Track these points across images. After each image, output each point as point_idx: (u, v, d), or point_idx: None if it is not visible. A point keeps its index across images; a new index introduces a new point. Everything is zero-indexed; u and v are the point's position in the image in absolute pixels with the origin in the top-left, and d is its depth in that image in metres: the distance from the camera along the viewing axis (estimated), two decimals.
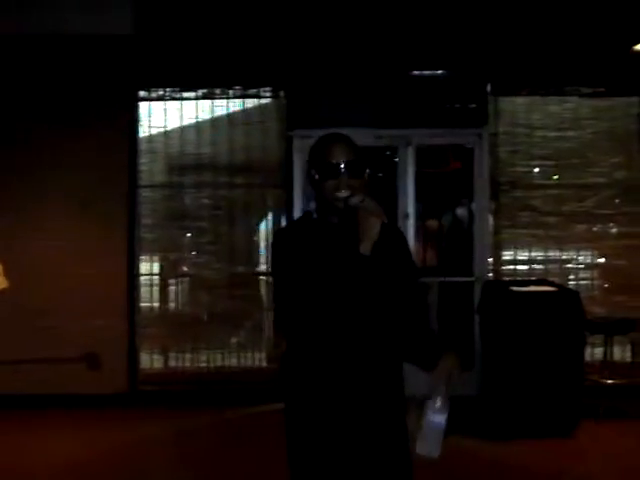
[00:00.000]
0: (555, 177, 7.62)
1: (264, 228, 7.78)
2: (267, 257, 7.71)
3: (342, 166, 2.70)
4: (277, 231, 3.06)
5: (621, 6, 5.73)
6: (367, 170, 2.78)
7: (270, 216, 7.74)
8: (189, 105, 7.53)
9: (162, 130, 7.55)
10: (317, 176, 2.76)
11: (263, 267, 7.77)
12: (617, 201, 7.62)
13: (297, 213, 7.58)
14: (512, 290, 6.60)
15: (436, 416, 2.74)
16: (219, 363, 7.63)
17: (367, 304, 2.72)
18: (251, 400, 7.17)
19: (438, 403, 2.75)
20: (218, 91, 7.48)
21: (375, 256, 2.64)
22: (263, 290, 7.76)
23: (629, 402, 6.89)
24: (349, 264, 2.63)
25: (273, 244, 2.96)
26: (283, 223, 7.59)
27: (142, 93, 7.46)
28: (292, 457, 2.91)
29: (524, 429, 6.14)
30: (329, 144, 2.77)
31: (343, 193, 2.68)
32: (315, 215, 2.85)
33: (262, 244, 7.75)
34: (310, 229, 2.83)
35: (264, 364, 7.66)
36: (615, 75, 7.28)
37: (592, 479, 5.43)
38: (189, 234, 7.63)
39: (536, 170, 7.60)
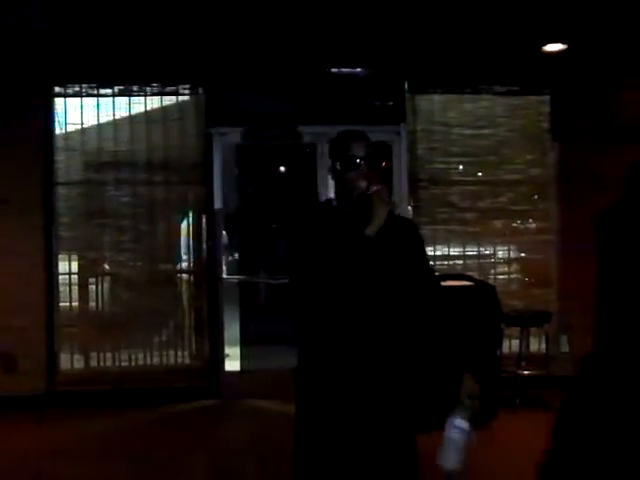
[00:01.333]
0: (460, 167, 7.77)
1: (184, 226, 7.74)
2: (189, 256, 7.68)
3: (361, 160, 3.00)
4: (301, 213, 3.38)
5: (533, 6, 5.86)
6: (383, 163, 3.18)
7: (190, 214, 7.68)
8: (106, 102, 7.44)
9: (79, 127, 7.44)
10: (339, 168, 3.05)
11: (184, 265, 7.72)
12: (532, 197, 7.81)
13: (217, 210, 7.58)
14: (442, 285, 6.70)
15: (454, 432, 2.97)
16: (141, 362, 7.56)
17: (373, 289, 2.96)
18: (174, 399, 7.16)
19: (457, 420, 2.98)
20: (136, 88, 7.42)
21: (380, 239, 2.93)
22: (184, 288, 7.71)
23: (545, 392, 7.06)
24: (354, 245, 2.93)
25: (297, 225, 3.23)
26: (203, 221, 7.55)
27: (57, 89, 7.35)
28: (299, 450, 3.16)
29: (441, 421, 6.24)
30: (350, 139, 3.09)
31: (362, 183, 2.97)
32: (334, 203, 3.14)
33: (183, 241, 7.70)
34: (329, 215, 3.12)
35: (187, 362, 7.62)
36: (528, 74, 7.47)
37: (504, 468, 5.54)
38: (108, 232, 7.53)
39: (454, 167, 7.74)
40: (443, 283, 6.76)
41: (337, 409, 3.03)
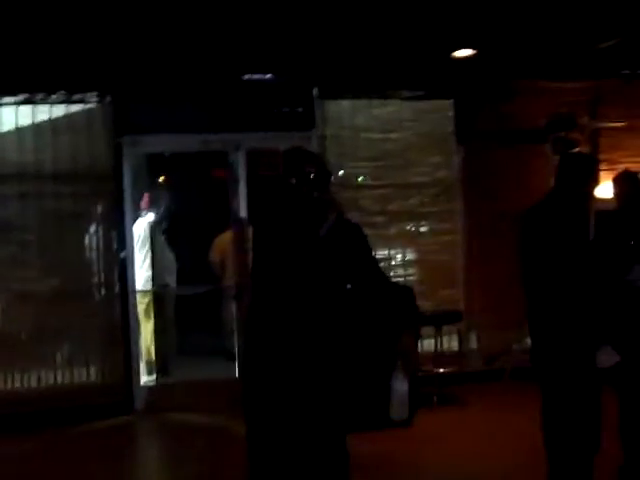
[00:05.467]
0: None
1: (94, 239, 7.49)
2: (98, 269, 7.45)
3: (313, 174, 3.42)
4: (257, 201, 4.05)
5: (441, 13, 6.02)
6: (332, 176, 3.63)
7: (100, 226, 7.45)
8: (8, 110, 7.17)
9: None
10: (294, 182, 3.45)
11: (95, 279, 7.49)
12: (439, 198, 8.01)
13: (128, 222, 7.43)
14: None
15: (398, 384, 3.40)
16: (51, 381, 7.31)
17: (319, 283, 3.40)
18: (88, 417, 6.96)
19: (399, 374, 3.40)
20: (40, 96, 7.16)
21: (329, 238, 3.39)
22: (95, 302, 7.47)
23: (460, 389, 7.27)
24: (307, 242, 3.41)
25: (255, 210, 3.92)
26: (113, 234, 7.37)
27: None
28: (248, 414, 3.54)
29: (365, 422, 6.30)
30: (305, 159, 3.51)
31: (315, 194, 3.41)
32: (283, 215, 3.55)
33: (93, 255, 7.47)
34: (288, 205, 3.52)
35: (100, 378, 7.40)
36: (433, 79, 7.68)
37: (426, 464, 5.67)
38: (13, 247, 7.23)
39: (363, 171, 7.84)
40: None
41: (278, 401, 3.40)
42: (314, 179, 3.42)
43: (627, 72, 8.15)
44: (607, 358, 3.93)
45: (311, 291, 3.40)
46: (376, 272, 3.60)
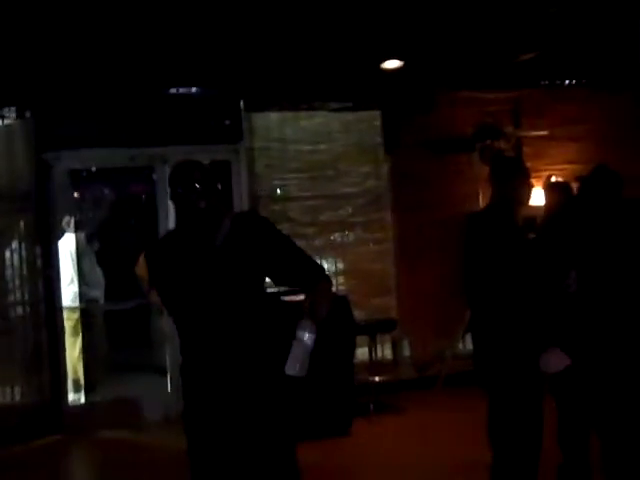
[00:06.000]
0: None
1: (16, 258, 7.26)
2: (22, 286, 7.22)
3: (199, 186, 3.24)
4: (147, 248, 3.55)
5: (369, 23, 6.07)
6: (218, 185, 3.39)
7: (22, 243, 7.23)
8: None
9: None
10: (183, 192, 3.25)
11: (12, 297, 7.25)
12: (368, 208, 8.05)
13: (54, 238, 7.24)
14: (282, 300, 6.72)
15: (305, 335, 3.07)
16: None
17: (224, 296, 3.18)
18: (13, 440, 6.69)
19: (307, 323, 3.08)
20: None
21: (227, 245, 3.20)
22: (20, 321, 7.24)
23: (395, 397, 7.29)
24: (203, 256, 3.23)
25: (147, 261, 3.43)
26: (37, 251, 7.16)
27: None
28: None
29: (302, 432, 6.26)
30: (191, 169, 3.31)
31: (202, 204, 3.22)
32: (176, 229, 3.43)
33: (15, 272, 7.23)
34: (171, 242, 3.41)
35: (28, 398, 7.15)
36: (360, 90, 7.73)
37: (363, 472, 5.67)
38: None
39: (292, 182, 7.83)
40: (288, 298, 6.83)
41: (213, 427, 3.22)
42: (200, 188, 3.22)
43: (546, 82, 8.37)
44: (557, 362, 3.95)
45: (221, 306, 3.18)
46: (300, 259, 3.31)
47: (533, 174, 7.40)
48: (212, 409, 3.20)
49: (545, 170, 7.95)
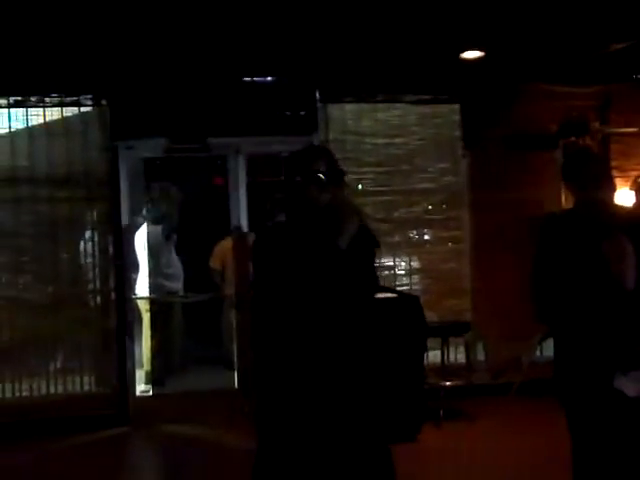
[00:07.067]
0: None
1: (89, 244, 7.29)
2: (94, 275, 7.25)
3: (324, 175, 3.01)
4: (255, 241, 3.31)
5: (447, 14, 5.82)
6: (345, 177, 3.16)
7: (95, 232, 7.25)
8: (1, 113, 6.98)
9: None
10: (299, 180, 3.03)
11: (90, 285, 7.29)
12: (444, 206, 7.80)
13: (127, 228, 7.23)
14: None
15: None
16: (43, 391, 7.10)
17: (342, 301, 2.96)
18: (82, 428, 6.76)
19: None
20: (34, 99, 6.97)
21: (350, 251, 2.94)
22: (91, 310, 7.27)
23: (466, 402, 7.04)
24: (326, 257, 2.93)
25: (253, 256, 3.18)
26: (110, 239, 7.16)
27: None
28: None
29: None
30: (313, 154, 3.14)
31: (324, 197, 3.00)
32: (286, 224, 3.19)
33: (88, 261, 7.26)
34: (286, 238, 3.08)
35: (95, 388, 7.20)
36: (439, 83, 7.47)
37: None
38: (7, 253, 7.04)
39: (368, 177, 7.63)
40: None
41: (303, 435, 3.04)
42: (324, 177, 2.97)
43: (639, 76, 7.95)
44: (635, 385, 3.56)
45: (335, 311, 2.96)
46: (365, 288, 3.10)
47: (620, 173, 7.12)
48: (307, 412, 3.03)
49: (633, 169, 7.54)
